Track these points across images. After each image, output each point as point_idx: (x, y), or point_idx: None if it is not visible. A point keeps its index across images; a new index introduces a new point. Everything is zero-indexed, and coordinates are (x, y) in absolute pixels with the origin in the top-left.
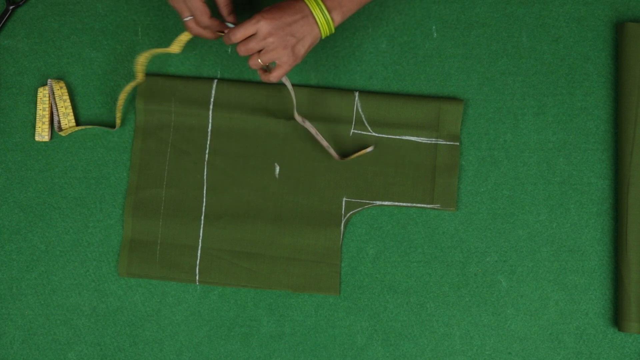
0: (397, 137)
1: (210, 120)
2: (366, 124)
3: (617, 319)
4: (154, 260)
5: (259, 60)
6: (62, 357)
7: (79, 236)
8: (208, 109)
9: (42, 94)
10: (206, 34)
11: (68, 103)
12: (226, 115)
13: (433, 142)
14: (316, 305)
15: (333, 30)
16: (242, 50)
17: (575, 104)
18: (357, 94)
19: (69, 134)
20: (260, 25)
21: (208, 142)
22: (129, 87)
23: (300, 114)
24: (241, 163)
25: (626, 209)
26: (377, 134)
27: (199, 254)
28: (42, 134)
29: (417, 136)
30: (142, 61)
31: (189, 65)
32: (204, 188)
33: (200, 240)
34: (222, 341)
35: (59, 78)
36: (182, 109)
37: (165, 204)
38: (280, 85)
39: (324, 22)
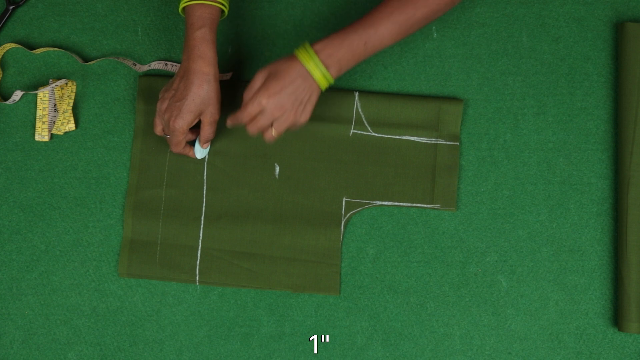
0: (397, 137)
1: None
2: (366, 124)
3: (617, 319)
4: (154, 260)
5: (273, 134)
6: (62, 357)
7: (79, 236)
8: None
9: (42, 94)
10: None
11: (72, 100)
12: (226, 115)
13: (433, 142)
14: (316, 305)
15: (332, 82)
16: (254, 130)
17: (575, 104)
18: (357, 94)
19: (68, 133)
20: (265, 104)
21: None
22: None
23: None
24: (241, 163)
25: (626, 209)
26: (377, 134)
27: (199, 255)
28: (42, 134)
29: (417, 136)
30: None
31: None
32: (204, 188)
33: (200, 241)
34: (222, 341)
35: (59, 78)
36: None
37: (165, 204)
38: None
39: (322, 79)
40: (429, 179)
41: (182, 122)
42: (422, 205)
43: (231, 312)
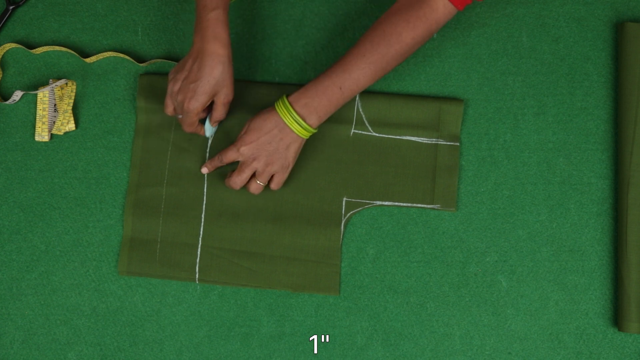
0: (398, 137)
1: None
2: (367, 124)
3: (617, 319)
4: (154, 258)
5: (259, 183)
6: (62, 357)
7: (79, 236)
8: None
9: (42, 94)
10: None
11: (72, 100)
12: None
13: (433, 142)
14: (316, 305)
15: (315, 130)
16: (238, 182)
17: (575, 104)
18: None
19: (68, 133)
20: (242, 151)
21: (209, 141)
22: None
23: None
24: None
25: (626, 209)
26: (377, 134)
27: (198, 253)
28: (42, 134)
29: (418, 136)
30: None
31: None
32: (204, 187)
33: (200, 239)
34: (222, 341)
35: (59, 78)
36: None
37: (166, 202)
38: (280, 84)
39: (300, 129)
40: (429, 179)
41: (197, 104)
42: (422, 206)
43: (231, 312)
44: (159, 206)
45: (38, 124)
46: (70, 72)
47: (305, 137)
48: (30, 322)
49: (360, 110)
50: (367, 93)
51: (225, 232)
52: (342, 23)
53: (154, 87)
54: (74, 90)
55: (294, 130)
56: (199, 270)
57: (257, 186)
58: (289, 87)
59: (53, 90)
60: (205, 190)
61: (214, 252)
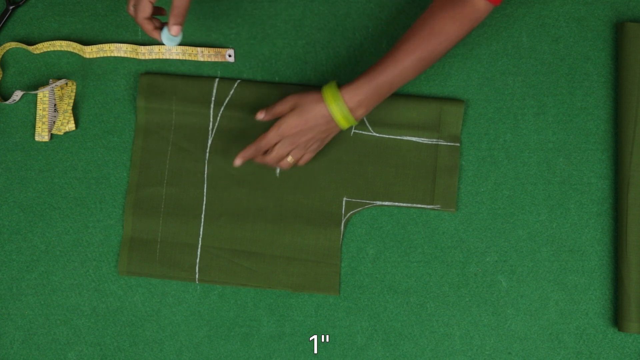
0: (398, 137)
1: (211, 119)
2: (367, 124)
3: (617, 319)
4: (154, 258)
5: (289, 160)
6: (62, 357)
7: (79, 236)
8: (209, 107)
9: (42, 94)
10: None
11: (72, 100)
12: (227, 114)
13: (434, 142)
14: (316, 305)
15: (355, 124)
16: (274, 162)
17: (575, 104)
18: None
19: (68, 133)
20: (287, 136)
21: (209, 141)
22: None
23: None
24: None
25: (626, 209)
26: (378, 134)
27: (198, 253)
28: (42, 134)
29: (418, 137)
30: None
31: (189, 65)
32: (204, 187)
33: (200, 239)
34: (222, 341)
35: (59, 78)
36: (183, 108)
37: (166, 202)
38: (280, 84)
39: (344, 122)
40: (430, 179)
41: None
42: (422, 206)
43: (231, 312)
44: (159, 206)
45: (38, 124)
46: (71, 72)
47: (343, 129)
48: (30, 322)
49: None
50: None
51: (225, 232)
52: (342, 23)
53: (154, 87)
54: (74, 90)
55: (339, 122)
56: (199, 270)
57: (288, 163)
58: (289, 87)
59: (53, 90)
60: (205, 190)
61: (214, 252)
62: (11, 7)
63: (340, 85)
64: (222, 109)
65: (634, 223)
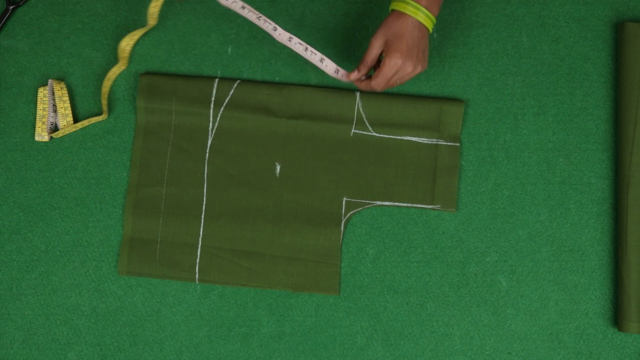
0: (398, 137)
1: (211, 119)
2: (367, 124)
3: (617, 319)
4: (154, 258)
5: (398, 82)
6: (62, 357)
7: (79, 236)
8: (209, 107)
9: (42, 94)
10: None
11: (68, 104)
12: (227, 114)
13: (434, 142)
14: (316, 305)
15: (435, 20)
16: (383, 87)
17: (575, 104)
18: (358, 94)
19: (68, 134)
20: (401, 64)
21: (209, 141)
22: (112, 74)
23: (300, 110)
24: (242, 162)
25: (626, 209)
26: (378, 134)
27: (198, 253)
28: (42, 134)
29: (418, 137)
30: (124, 47)
31: (189, 65)
32: (204, 187)
33: (200, 239)
34: (222, 341)
35: (59, 78)
36: (183, 108)
37: (166, 202)
38: (280, 84)
39: (430, 22)
40: (430, 179)
41: None
42: (423, 206)
43: (231, 312)
44: (159, 206)
45: (38, 124)
46: (70, 72)
47: (430, 31)
48: (30, 322)
49: (361, 110)
50: (368, 93)
51: (225, 232)
52: (342, 23)
53: (154, 87)
54: (65, 93)
55: (426, 24)
56: (199, 270)
57: (395, 84)
58: (289, 87)
59: (53, 90)
60: (205, 190)
61: (213, 252)
62: (11, 7)
63: None
64: (222, 109)
65: (634, 223)
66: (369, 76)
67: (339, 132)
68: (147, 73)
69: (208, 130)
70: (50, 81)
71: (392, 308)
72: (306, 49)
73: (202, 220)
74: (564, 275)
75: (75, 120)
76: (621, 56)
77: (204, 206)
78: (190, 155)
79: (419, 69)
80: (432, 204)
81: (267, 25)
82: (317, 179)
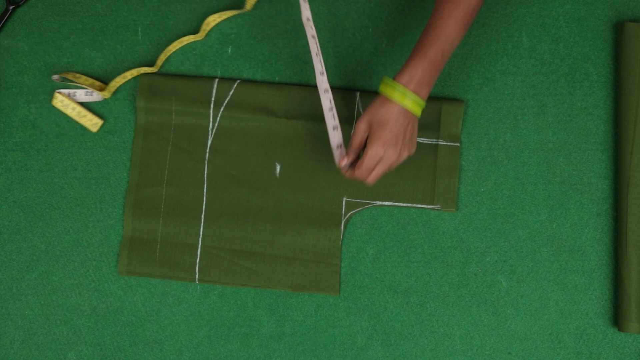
0: None
1: (211, 119)
2: None
3: (617, 319)
4: (154, 258)
5: (387, 170)
6: (62, 357)
7: (79, 236)
8: (209, 107)
9: (59, 99)
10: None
11: (84, 77)
12: (227, 114)
13: (434, 142)
14: (316, 305)
15: (424, 105)
16: (375, 179)
17: (575, 104)
18: (358, 94)
19: (68, 134)
20: (383, 152)
21: (209, 141)
22: (186, 39)
23: (300, 110)
24: (242, 162)
25: (626, 209)
26: None
27: (198, 253)
28: (93, 122)
29: (418, 136)
30: (210, 21)
31: (189, 65)
32: (204, 187)
33: (200, 239)
34: (222, 341)
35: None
36: (183, 108)
37: (166, 202)
38: (280, 84)
39: (417, 108)
40: (430, 179)
41: None
42: (422, 206)
43: (231, 312)
44: (159, 206)
45: (82, 121)
46: (71, 72)
47: (418, 116)
48: (30, 322)
49: (361, 110)
50: (367, 93)
51: (225, 232)
52: (342, 23)
53: (154, 87)
54: (73, 73)
55: (413, 111)
56: (199, 270)
57: (385, 172)
58: (289, 87)
59: (64, 80)
60: (205, 190)
61: (213, 252)
62: (11, 7)
63: (394, 77)
64: (222, 109)
65: (634, 223)
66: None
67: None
68: (147, 73)
69: (208, 130)
70: (55, 77)
71: (392, 308)
72: (331, 108)
73: (202, 220)
74: (564, 275)
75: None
76: (621, 56)
77: (204, 206)
78: (190, 155)
79: (404, 156)
80: (432, 204)
81: (318, 65)
82: (317, 178)
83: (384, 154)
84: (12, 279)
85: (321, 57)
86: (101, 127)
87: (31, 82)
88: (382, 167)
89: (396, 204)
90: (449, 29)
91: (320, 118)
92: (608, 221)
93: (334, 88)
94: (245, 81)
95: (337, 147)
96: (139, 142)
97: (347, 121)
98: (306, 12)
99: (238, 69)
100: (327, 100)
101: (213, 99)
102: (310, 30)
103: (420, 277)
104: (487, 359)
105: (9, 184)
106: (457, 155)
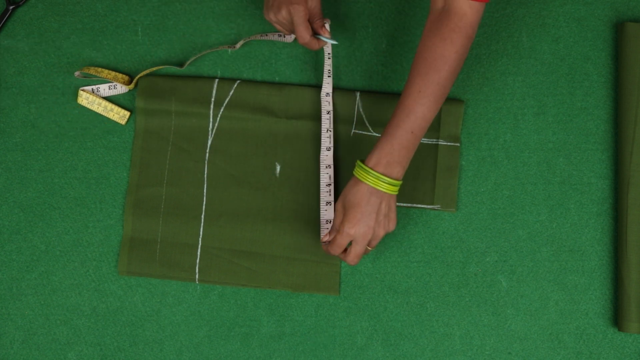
0: None
1: (210, 119)
2: (367, 124)
3: (617, 319)
4: (154, 258)
5: (369, 248)
6: (62, 357)
7: (79, 236)
8: (209, 108)
9: (84, 96)
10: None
11: (106, 71)
12: (227, 114)
13: (434, 142)
14: (316, 305)
15: (400, 182)
16: (356, 259)
17: (575, 104)
18: (358, 94)
19: (69, 134)
20: (354, 233)
21: (209, 141)
22: (156, 68)
23: (300, 110)
24: (242, 162)
25: (626, 209)
26: (378, 134)
27: (198, 253)
28: (121, 115)
29: None
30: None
31: (188, 66)
32: (204, 187)
33: (200, 239)
34: (222, 341)
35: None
36: (183, 108)
37: (166, 202)
38: (280, 84)
39: (390, 187)
40: (430, 179)
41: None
42: (423, 206)
43: (231, 312)
44: (159, 206)
45: (110, 116)
46: (71, 72)
47: (395, 194)
48: (30, 322)
49: (361, 110)
50: (367, 93)
51: (225, 232)
52: (342, 23)
53: (153, 87)
54: (94, 68)
55: (388, 191)
56: (199, 270)
57: (367, 252)
58: (289, 87)
59: (86, 75)
60: (205, 190)
61: (213, 252)
62: (11, 7)
63: (364, 159)
64: (222, 109)
65: (634, 223)
66: None
67: (339, 132)
68: (146, 75)
69: (208, 131)
70: (77, 73)
71: (392, 308)
72: (329, 184)
73: (202, 220)
74: (564, 275)
75: (77, 120)
76: (621, 56)
77: (204, 206)
78: (190, 156)
79: (381, 233)
80: (432, 204)
81: (326, 141)
82: (317, 179)
83: (354, 234)
84: (12, 279)
85: (332, 133)
86: (101, 128)
87: (31, 82)
88: (359, 247)
89: (396, 204)
90: (417, 107)
91: (320, 117)
92: (608, 221)
93: (334, 88)
94: (245, 81)
95: (326, 222)
96: (139, 142)
97: (347, 121)
98: (327, 88)
99: (238, 69)
100: (326, 176)
101: (213, 99)
102: (327, 105)
103: (420, 277)
104: (487, 359)
105: (9, 184)
106: (457, 155)
